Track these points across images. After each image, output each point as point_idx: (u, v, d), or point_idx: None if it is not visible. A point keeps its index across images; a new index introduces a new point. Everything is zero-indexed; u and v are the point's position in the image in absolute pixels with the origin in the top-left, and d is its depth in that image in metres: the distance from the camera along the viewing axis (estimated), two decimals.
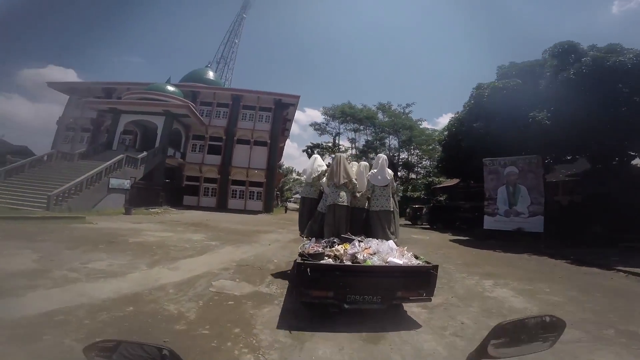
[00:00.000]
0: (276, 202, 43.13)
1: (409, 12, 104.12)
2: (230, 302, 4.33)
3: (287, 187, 47.03)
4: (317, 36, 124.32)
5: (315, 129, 46.25)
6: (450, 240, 14.84)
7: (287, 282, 5.29)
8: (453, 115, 22.34)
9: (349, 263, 3.74)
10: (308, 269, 3.40)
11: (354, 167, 5.60)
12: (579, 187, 17.19)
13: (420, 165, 44.96)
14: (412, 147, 44.61)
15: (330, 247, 4.20)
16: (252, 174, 28.36)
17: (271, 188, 28.51)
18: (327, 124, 46.03)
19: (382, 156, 5.34)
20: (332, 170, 5.24)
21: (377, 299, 3.53)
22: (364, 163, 5.74)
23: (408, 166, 43.36)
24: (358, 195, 5.32)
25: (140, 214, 17.26)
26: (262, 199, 28.32)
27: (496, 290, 5.76)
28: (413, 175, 45.56)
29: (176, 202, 26.72)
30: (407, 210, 27.60)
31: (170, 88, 27.63)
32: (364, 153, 44.94)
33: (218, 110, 30.92)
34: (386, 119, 44.51)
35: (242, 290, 4.93)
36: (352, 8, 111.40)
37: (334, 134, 46.52)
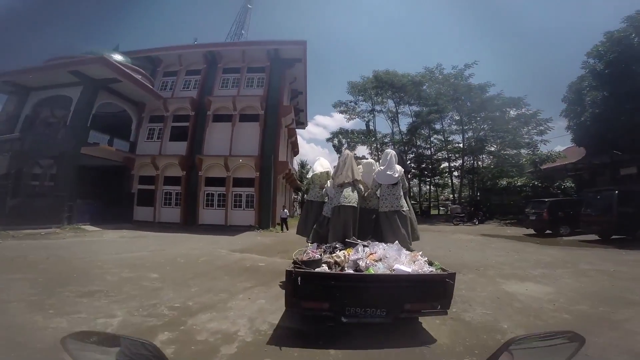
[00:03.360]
0: (294, 209, 31.55)
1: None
2: None
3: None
4: (339, 28, 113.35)
5: (341, 112, 34.08)
6: None
7: None
8: None
9: (351, 271, 3.24)
10: (298, 278, 2.93)
11: (360, 167, 4.86)
12: None
13: (488, 142, 30.14)
14: (477, 120, 30.41)
15: (331, 253, 3.67)
16: (235, 166, 16.95)
17: (268, 187, 16.79)
18: (355, 104, 33.78)
19: (391, 152, 4.60)
20: (338, 170, 4.57)
21: (381, 312, 2.98)
22: (370, 161, 5.15)
23: (481, 146, 29.32)
24: (365, 194, 4.60)
25: None
26: (255, 206, 16.65)
27: None
28: (479, 162, 31.68)
29: (122, 216, 16.47)
30: (530, 210, 14.08)
31: (115, 56, 17.72)
32: (412, 135, 32.04)
33: (187, 80, 20.38)
34: (434, 90, 31.16)
35: None
36: None
37: (367, 117, 34.10)
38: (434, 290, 2.99)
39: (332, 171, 4.93)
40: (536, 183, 20.12)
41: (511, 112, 29.24)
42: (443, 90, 30.45)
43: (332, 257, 3.46)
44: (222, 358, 2.62)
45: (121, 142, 17.91)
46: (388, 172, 4.29)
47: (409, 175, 34.96)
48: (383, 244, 3.75)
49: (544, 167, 23.71)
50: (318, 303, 3.01)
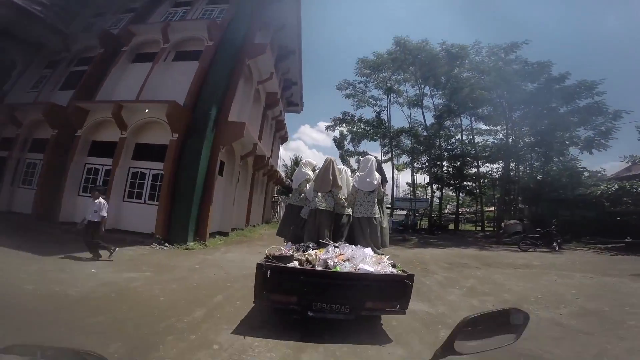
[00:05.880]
0: (275, 214, 23.74)
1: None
2: None
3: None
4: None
5: (347, 96, 26.38)
6: None
7: None
8: None
9: (320, 268, 3.42)
10: (268, 272, 3.16)
11: (341, 173, 4.95)
12: None
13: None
14: (529, 109, 22.43)
15: (304, 252, 3.87)
16: (138, 121, 9.49)
17: (194, 163, 9.22)
18: (365, 86, 26.29)
19: (371, 158, 4.79)
20: (318, 177, 4.74)
21: (345, 309, 3.19)
22: (346, 168, 5.29)
23: (539, 141, 21.14)
24: (342, 200, 4.67)
25: None
26: (162, 198, 8.90)
27: None
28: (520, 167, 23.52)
29: None
30: None
31: None
32: (440, 125, 24.31)
33: (121, 18, 13.58)
34: (470, 74, 23.49)
35: None
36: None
37: (378, 106, 26.49)
38: (394, 290, 3.20)
39: (312, 176, 4.97)
40: None
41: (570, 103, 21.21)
42: (485, 67, 22.68)
43: (304, 255, 3.65)
44: None
45: None
46: (367, 179, 4.45)
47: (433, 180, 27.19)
48: (353, 246, 3.92)
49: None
50: (286, 297, 3.20)
